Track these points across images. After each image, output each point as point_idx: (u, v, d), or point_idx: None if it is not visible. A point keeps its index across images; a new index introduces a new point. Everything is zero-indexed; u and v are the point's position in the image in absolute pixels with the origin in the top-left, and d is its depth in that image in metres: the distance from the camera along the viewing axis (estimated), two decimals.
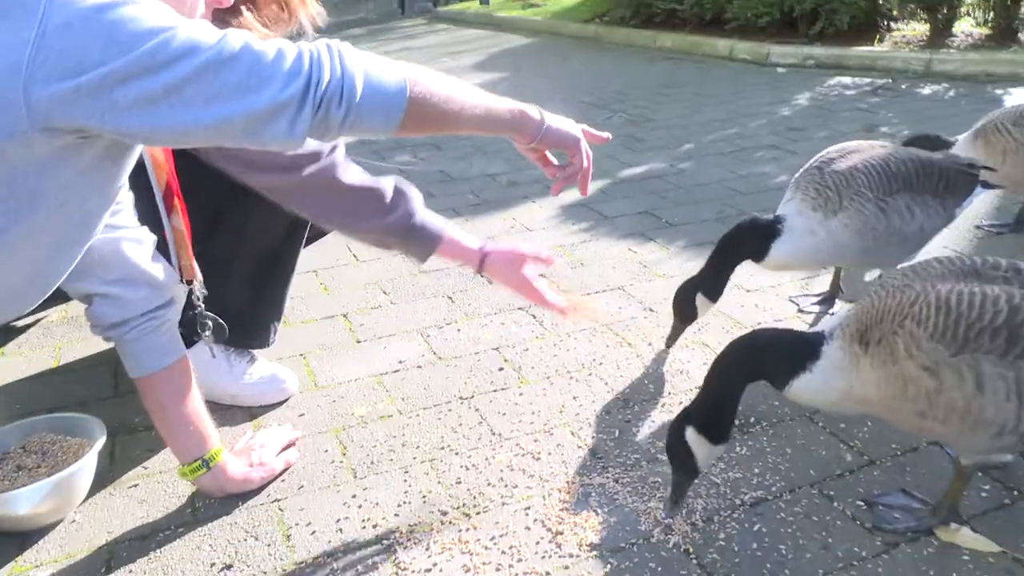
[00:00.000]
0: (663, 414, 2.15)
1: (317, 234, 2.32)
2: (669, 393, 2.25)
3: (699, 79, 6.91)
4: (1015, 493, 1.84)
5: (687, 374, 2.33)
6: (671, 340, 2.40)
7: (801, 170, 2.39)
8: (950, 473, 1.74)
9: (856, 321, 1.63)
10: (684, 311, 2.30)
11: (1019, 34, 7.10)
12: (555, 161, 1.79)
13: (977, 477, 1.87)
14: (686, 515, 1.77)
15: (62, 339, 2.66)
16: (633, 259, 3.16)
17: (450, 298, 2.88)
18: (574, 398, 2.24)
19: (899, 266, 2.05)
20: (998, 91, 6.08)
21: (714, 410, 1.67)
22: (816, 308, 2.67)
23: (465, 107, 1.46)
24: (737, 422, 2.03)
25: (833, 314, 2.63)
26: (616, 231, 3.46)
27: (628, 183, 4.12)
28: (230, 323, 1.96)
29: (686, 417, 1.68)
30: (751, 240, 2.24)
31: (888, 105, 5.72)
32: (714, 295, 2.28)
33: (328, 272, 3.13)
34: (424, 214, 1.99)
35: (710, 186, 4.02)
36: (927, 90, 6.24)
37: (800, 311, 2.67)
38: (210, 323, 1.84)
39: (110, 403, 2.26)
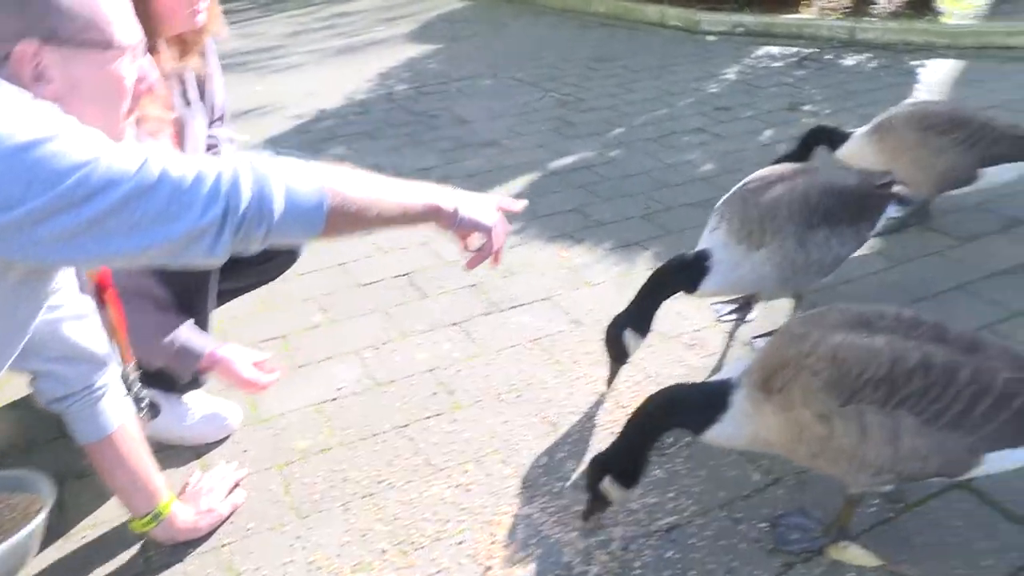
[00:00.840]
0: (588, 437, 2.30)
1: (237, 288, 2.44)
2: (594, 414, 2.40)
3: (630, 50, 6.99)
4: (900, 506, 2.04)
5: (612, 393, 2.48)
6: (610, 381, 2.41)
7: (725, 197, 2.51)
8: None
9: (760, 368, 1.79)
10: (616, 351, 2.32)
11: (934, 2, 7.28)
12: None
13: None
14: (605, 544, 1.94)
15: (5, 378, 2.71)
16: (561, 264, 3.29)
17: (387, 313, 2.99)
18: (504, 422, 2.39)
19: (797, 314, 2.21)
20: (914, 63, 6.27)
21: (630, 459, 1.83)
22: (734, 316, 2.83)
23: (383, 210, 1.55)
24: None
25: (750, 321, 2.80)
26: (546, 231, 3.58)
27: (559, 175, 4.22)
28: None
29: (604, 464, 1.84)
30: (681, 276, 2.35)
31: (812, 79, 5.88)
32: (643, 330, 2.30)
33: (266, 286, 3.19)
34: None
35: (638, 177, 4.15)
36: (850, 60, 6.41)
37: (720, 319, 2.83)
38: (145, 403, 1.91)
39: (58, 444, 2.33)
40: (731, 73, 6.12)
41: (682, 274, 2.34)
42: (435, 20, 8.81)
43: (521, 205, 1.95)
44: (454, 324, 2.90)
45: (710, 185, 3.98)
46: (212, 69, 2.33)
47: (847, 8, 7.54)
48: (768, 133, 4.77)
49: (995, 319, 2.82)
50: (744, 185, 2.49)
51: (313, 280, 3.24)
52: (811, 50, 6.71)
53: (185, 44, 2.10)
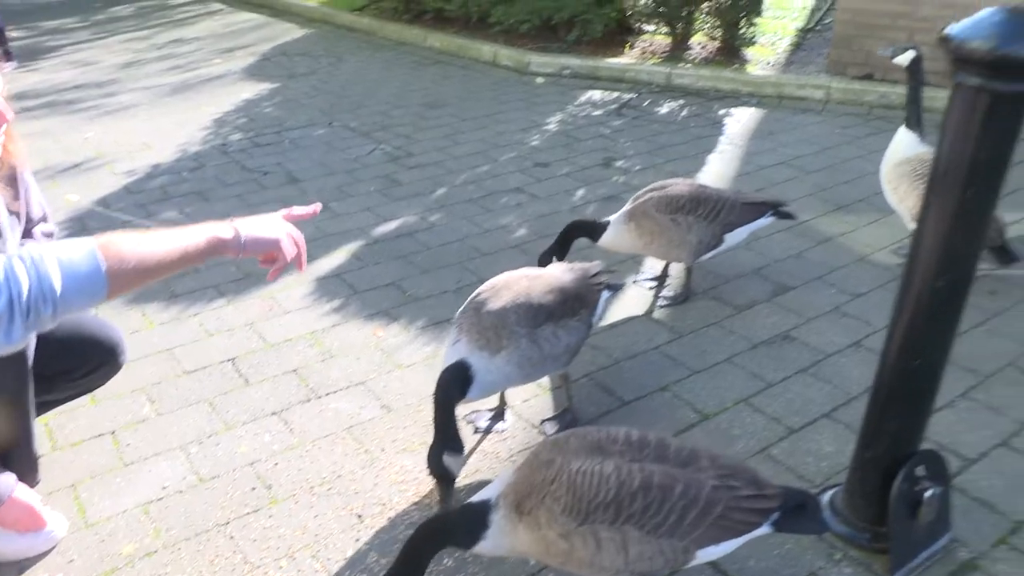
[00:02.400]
0: (391, 529, 2.62)
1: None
2: (397, 505, 2.72)
3: (462, 93, 7.33)
4: None
5: (413, 482, 2.81)
6: (443, 500, 2.56)
7: (460, 310, 2.86)
8: None
9: (513, 492, 2.15)
10: (441, 475, 2.49)
11: (742, 51, 7.98)
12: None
13: None
14: None
15: None
16: (376, 345, 3.60)
17: (211, 404, 3.22)
18: (316, 516, 2.68)
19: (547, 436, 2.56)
20: (721, 111, 6.90)
21: (407, 572, 2.15)
22: (487, 423, 3.10)
23: (163, 257, 1.76)
24: None
25: (503, 430, 3.10)
26: (364, 309, 3.87)
27: (381, 244, 4.52)
28: None
29: None
30: (456, 386, 2.68)
31: (627, 130, 6.39)
32: (458, 448, 2.50)
33: None
34: None
35: (455, 245, 4.50)
36: (664, 108, 6.98)
37: (477, 431, 3.09)
38: None
39: None
40: (554, 123, 6.56)
41: (456, 384, 2.67)
42: (272, 53, 8.89)
43: (312, 210, 2.19)
44: (274, 413, 3.16)
45: (521, 253, 4.38)
46: (26, 182, 2.44)
47: (665, 52, 8.14)
48: (581, 192, 5.21)
49: (753, 391, 3.32)
50: (475, 296, 2.85)
51: (142, 368, 3.42)
52: (631, 95, 7.26)
53: None
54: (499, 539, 2.14)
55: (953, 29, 1.92)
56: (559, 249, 3.58)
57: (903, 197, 4.02)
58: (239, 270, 4.20)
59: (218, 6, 11.67)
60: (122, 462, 2.91)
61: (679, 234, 3.60)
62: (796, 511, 2.14)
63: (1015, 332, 3.71)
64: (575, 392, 3.23)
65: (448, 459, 2.49)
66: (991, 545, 2.59)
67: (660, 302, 3.93)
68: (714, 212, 3.64)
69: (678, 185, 3.71)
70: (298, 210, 2.11)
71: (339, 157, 5.77)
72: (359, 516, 2.68)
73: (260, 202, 5.00)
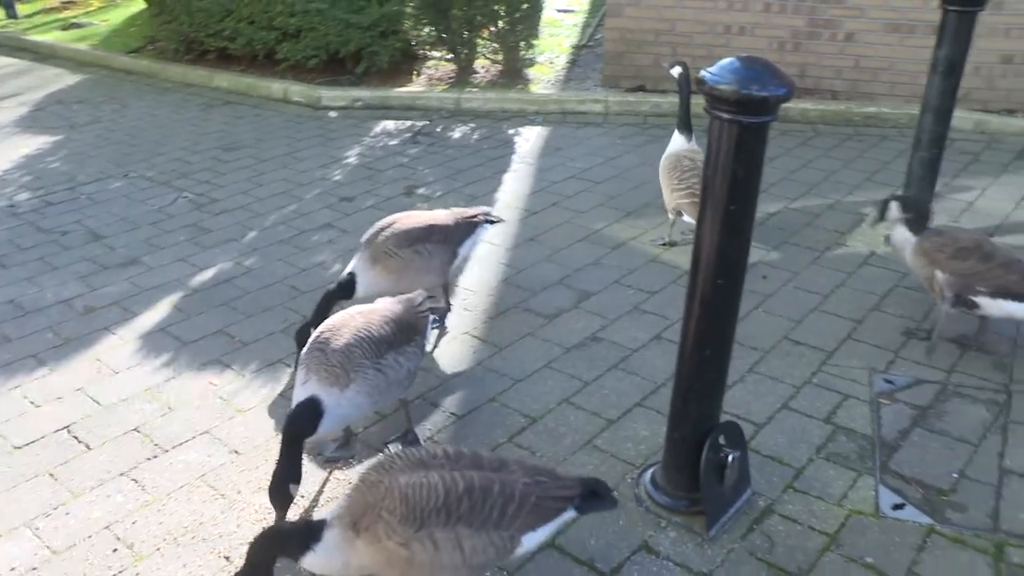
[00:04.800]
0: None
1: None
2: None
3: (257, 133, 7.36)
4: (505, 574, 2.73)
5: (270, 520, 2.94)
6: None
7: (304, 351, 3.06)
8: None
9: (348, 512, 2.38)
10: (283, 503, 2.75)
11: (524, 72, 8.48)
12: None
13: None
14: None
15: None
16: (214, 394, 3.68)
17: (52, 475, 3.20)
18: (184, 566, 2.78)
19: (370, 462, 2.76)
20: (511, 131, 7.34)
21: None
22: (338, 454, 3.29)
23: None
24: None
25: (351, 457, 3.29)
26: (196, 360, 3.93)
27: (201, 293, 4.56)
28: None
29: None
30: (305, 422, 2.86)
31: (424, 157, 6.68)
32: (296, 478, 2.77)
33: None
34: None
35: (275, 287, 4.62)
36: (457, 133, 7.33)
37: (327, 460, 3.27)
38: None
39: None
40: (353, 156, 6.75)
41: (307, 419, 2.86)
42: (46, 102, 8.51)
43: None
44: (122, 474, 3.19)
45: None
46: None
47: (451, 78, 8.51)
48: None
49: (572, 391, 3.68)
50: (318, 337, 3.06)
51: None
52: (423, 122, 7.56)
53: None
54: (332, 554, 2.34)
55: (706, 74, 2.35)
56: (318, 320, 3.51)
57: (667, 186, 4.82)
58: (56, 335, 4.13)
59: None
60: None
61: (424, 262, 3.90)
62: (591, 495, 2.53)
63: (785, 310, 4.30)
64: (412, 412, 3.47)
65: (293, 488, 2.74)
66: (781, 491, 3.07)
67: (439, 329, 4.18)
68: (445, 233, 3.98)
69: (403, 219, 3.96)
70: None
71: (141, 209, 5.71)
72: (227, 558, 2.80)
73: (65, 263, 4.89)
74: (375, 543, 2.30)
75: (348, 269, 3.79)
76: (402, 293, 3.42)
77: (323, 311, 3.65)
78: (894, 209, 3.97)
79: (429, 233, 3.89)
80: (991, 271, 3.68)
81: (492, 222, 4.28)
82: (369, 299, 3.50)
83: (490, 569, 2.43)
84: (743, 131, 2.41)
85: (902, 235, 3.97)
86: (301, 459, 2.82)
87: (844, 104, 7.48)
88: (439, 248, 3.94)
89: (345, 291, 3.78)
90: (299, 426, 2.84)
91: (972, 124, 7.10)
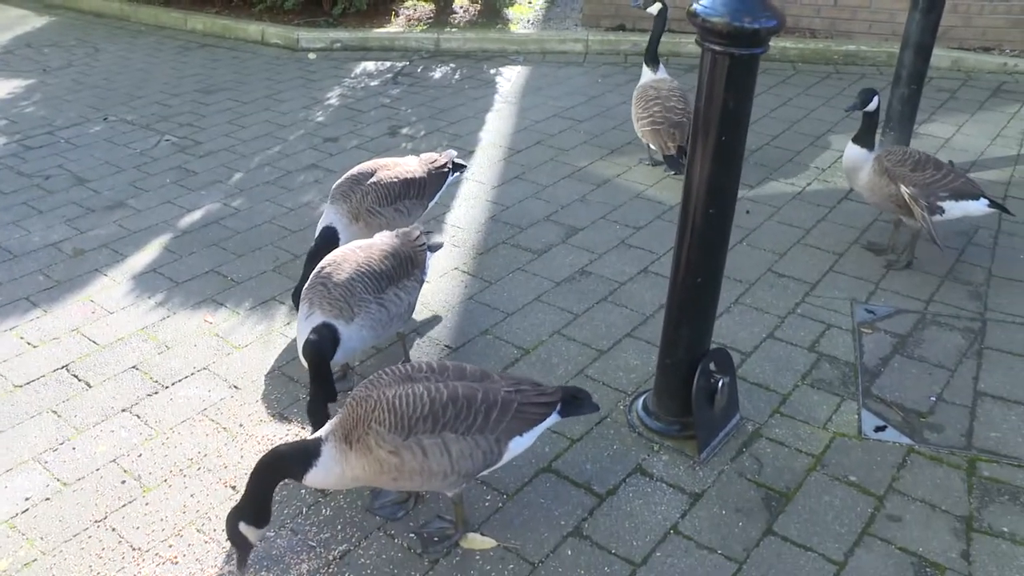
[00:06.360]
0: None
1: None
2: None
3: (236, 76, 7.29)
4: (504, 496, 2.84)
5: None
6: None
7: (306, 286, 3.12)
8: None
9: (341, 427, 2.45)
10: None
11: (503, 11, 8.42)
12: None
13: (481, 489, 2.84)
14: None
15: None
16: (210, 331, 3.72)
17: (55, 412, 3.25)
18: (192, 495, 2.85)
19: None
20: (492, 71, 7.32)
21: (255, 504, 2.39)
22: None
23: None
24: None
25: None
26: (189, 299, 3.97)
27: (191, 234, 4.57)
28: None
29: (237, 512, 2.38)
30: (327, 345, 2.92)
31: (406, 98, 6.66)
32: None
33: None
34: None
35: (264, 227, 4.64)
36: (438, 73, 7.29)
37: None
38: None
39: None
40: (334, 97, 6.72)
41: (328, 341, 2.93)
42: (14, 45, 8.33)
43: None
44: (124, 410, 3.24)
45: None
46: None
47: (430, 19, 8.43)
48: None
49: (563, 324, 3.76)
50: (320, 272, 3.12)
51: None
52: (404, 63, 7.51)
53: None
54: (330, 467, 2.42)
55: (698, 7, 2.39)
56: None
57: (634, 115, 5.10)
58: (47, 277, 4.14)
59: None
60: None
61: (403, 219, 3.92)
62: (573, 401, 2.65)
63: (768, 243, 4.39)
64: (407, 345, 3.54)
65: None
66: (768, 416, 3.19)
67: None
68: (421, 187, 3.98)
69: (379, 172, 3.90)
70: None
71: (124, 153, 5.67)
72: (233, 487, 2.87)
73: (50, 207, 4.87)
74: (367, 454, 2.39)
75: (324, 222, 3.76)
76: None
77: (312, 271, 3.66)
78: (876, 101, 4.03)
79: (407, 189, 3.91)
80: (946, 177, 3.94)
81: (460, 169, 4.27)
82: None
83: (480, 474, 2.52)
84: (734, 63, 2.46)
85: (856, 152, 4.07)
86: (332, 378, 2.89)
87: (823, 42, 7.51)
88: (416, 204, 3.97)
89: (329, 246, 3.79)
90: (322, 347, 2.91)
91: (949, 62, 7.17)
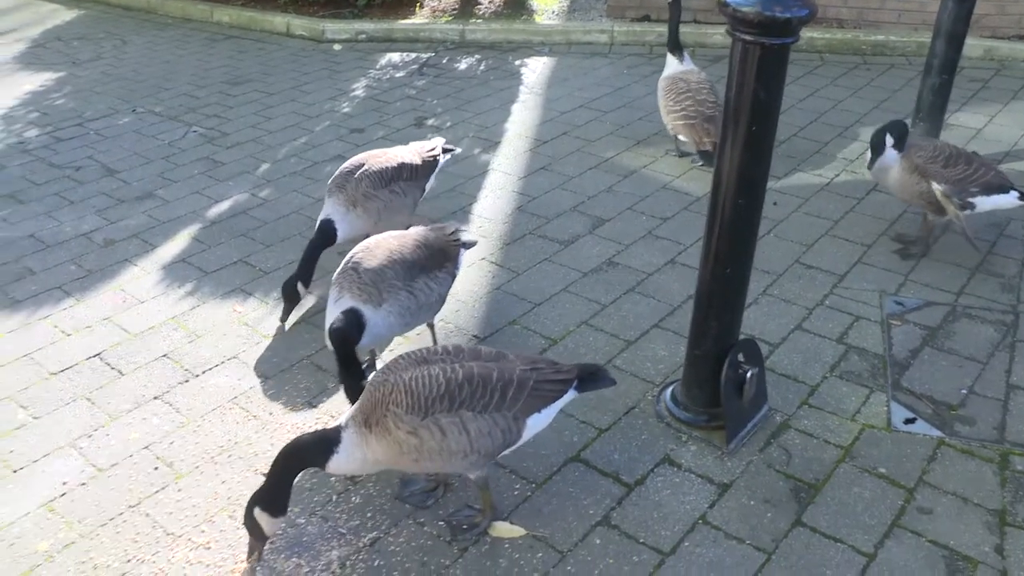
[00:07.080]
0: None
1: None
2: None
3: (262, 68, 7.32)
4: (533, 485, 2.85)
5: None
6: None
7: (338, 271, 3.14)
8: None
9: (360, 412, 2.48)
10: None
11: (528, 2, 8.40)
12: None
13: (510, 478, 2.85)
14: (327, 566, 2.54)
15: None
16: (239, 320, 3.76)
17: (89, 399, 3.29)
18: (223, 482, 2.88)
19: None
20: (517, 62, 7.31)
21: (275, 494, 2.43)
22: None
23: None
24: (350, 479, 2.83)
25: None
26: (219, 288, 4.00)
27: (220, 224, 4.61)
28: None
29: (256, 500, 2.41)
30: (352, 331, 2.94)
31: (432, 89, 6.67)
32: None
33: None
34: None
35: (292, 217, 4.67)
36: (463, 64, 7.30)
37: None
38: None
39: None
40: (360, 88, 6.74)
41: (354, 327, 2.96)
42: (45, 38, 8.42)
43: None
44: (156, 398, 3.28)
45: None
46: None
47: (455, 10, 8.43)
48: None
49: (590, 314, 3.76)
50: (351, 258, 3.14)
51: (2, 377, 3.41)
52: (429, 55, 7.52)
53: None
54: (350, 453, 2.45)
55: None
56: (304, 273, 3.66)
57: (664, 108, 5.03)
58: (79, 267, 4.19)
59: None
60: (10, 469, 2.96)
61: (400, 200, 3.95)
62: (591, 377, 2.65)
63: (795, 235, 4.37)
64: (437, 334, 3.55)
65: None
66: (796, 407, 3.18)
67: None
68: (413, 171, 4.02)
69: (370, 160, 3.95)
70: None
71: (152, 144, 5.71)
72: (263, 475, 2.89)
73: (81, 198, 4.92)
74: (386, 435, 2.41)
75: (323, 215, 3.81)
76: (380, 233, 3.41)
77: (308, 262, 3.68)
78: (888, 139, 3.99)
79: (400, 171, 3.94)
80: (976, 171, 3.90)
81: (448, 151, 4.30)
82: (351, 243, 3.51)
83: (501, 453, 2.53)
84: (765, 52, 2.44)
85: (887, 155, 4.02)
86: (359, 363, 2.92)
87: (851, 32, 7.44)
88: (411, 186, 4.00)
89: (326, 238, 3.81)
90: (347, 333, 2.93)
91: (982, 51, 7.08)
